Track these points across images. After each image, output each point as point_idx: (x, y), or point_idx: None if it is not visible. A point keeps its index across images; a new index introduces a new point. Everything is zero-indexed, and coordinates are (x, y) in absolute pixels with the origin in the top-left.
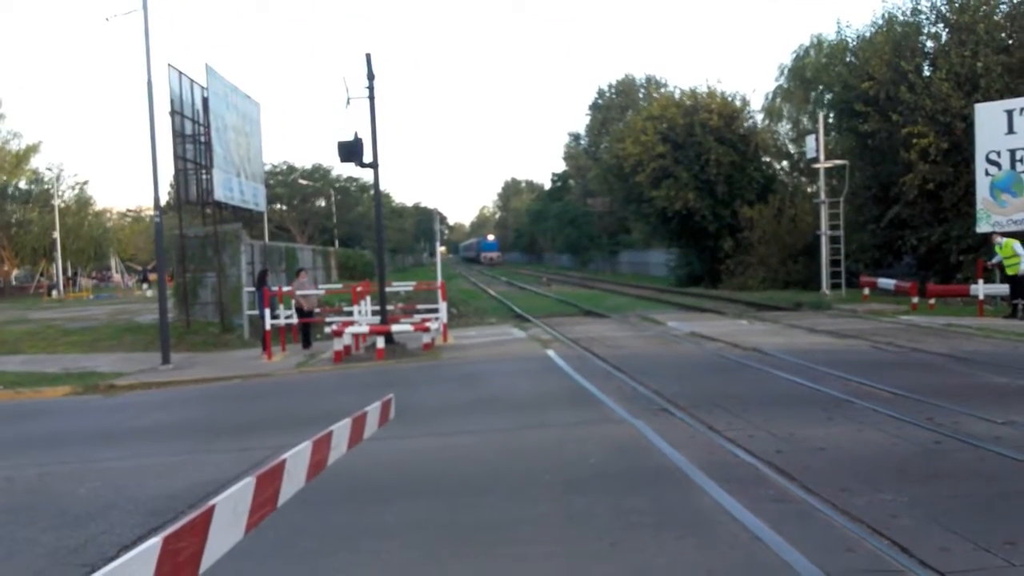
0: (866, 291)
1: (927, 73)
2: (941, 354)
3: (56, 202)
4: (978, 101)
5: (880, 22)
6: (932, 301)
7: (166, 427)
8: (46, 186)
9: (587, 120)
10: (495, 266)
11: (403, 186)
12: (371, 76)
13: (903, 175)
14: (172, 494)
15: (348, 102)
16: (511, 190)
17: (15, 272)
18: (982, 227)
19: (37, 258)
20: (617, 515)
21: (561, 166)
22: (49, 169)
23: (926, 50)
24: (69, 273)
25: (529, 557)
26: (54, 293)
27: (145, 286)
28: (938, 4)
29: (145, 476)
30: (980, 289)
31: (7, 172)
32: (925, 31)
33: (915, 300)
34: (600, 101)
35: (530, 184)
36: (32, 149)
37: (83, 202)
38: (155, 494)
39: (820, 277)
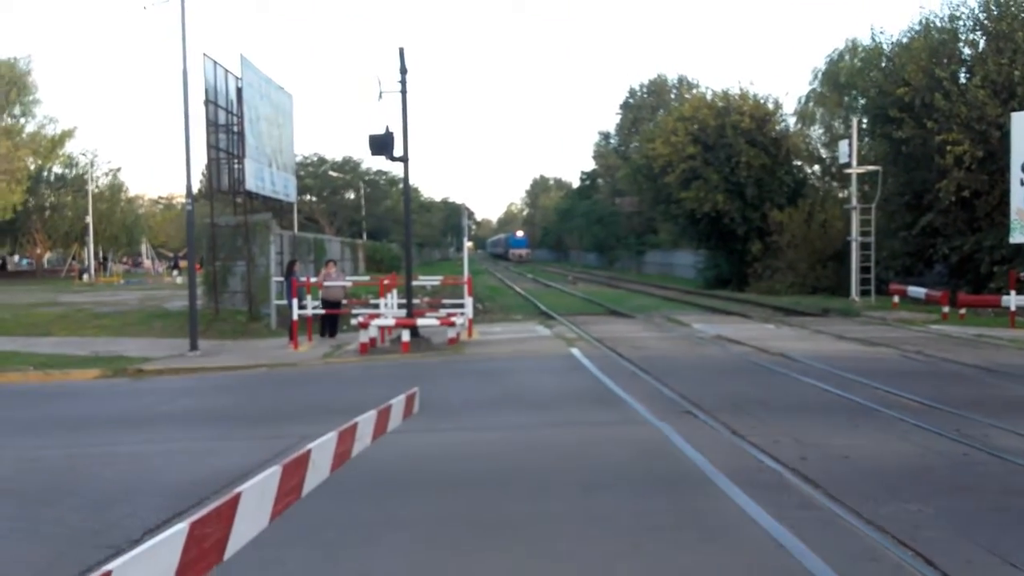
0: (896, 299)
1: (963, 80)
2: (971, 365)
3: (90, 187)
4: (1015, 109)
5: (917, 28)
6: (963, 311)
7: (193, 413)
8: (80, 171)
9: (618, 119)
10: (524, 263)
11: (432, 181)
12: (404, 70)
13: (937, 183)
14: (197, 480)
15: (380, 96)
16: (539, 187)
17: (47, 255)
18: (1016, 237)
19: (69, 242)
20: (639, 516)
21: (590, 164)
22: (84, 155)
23: (963, 57)
24: (100, 258)
25: (550, 555)
26: (85, 277)
27: (175, 273)
28: (976, 11)
29: (171, 461)
30: (1012, 300)
31: (42, 156)
32: (963, 38)
33: (946, 309)
34: (631, 100)
35: (559, 182)
36: (67, 134)
37: (116, 188)
38: (181, 479)
39: (849, 283)
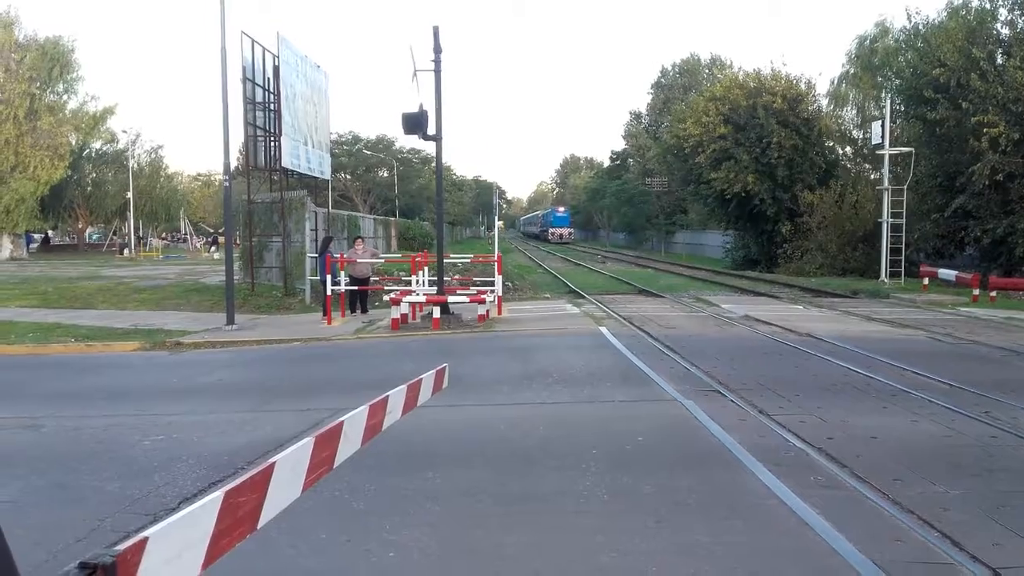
0: (926, 281)
1: (1000, 61)
2: (1001, 348)
3: (130, 164)
4: None
5: (954, 7)
6: (993, 294)
7: (229, 385)
8: (122, 148)
9: (649, 99)
10: (565, 244)
11: (463, 159)
12: (438, 49)
13: (970, 165)
14: (233, 450)
15: (415, 75)
16: (570, 167)
17: (89, 230)
18: None
19: (111, 217)
20: (664, 493)
21: (621, 144)
22: (125, 132)
23: (1001, 37)
24: (140, 233)
25: (575, 529)
26: (126, 252)
27: (214, 249)
28: None
29: (208, 432)
30: None
31: (84, 132)
32: (1001, 18)
33: (976, 292)
34: (663, 80)
35: (589, 161)
36: (108, 111)
37: (156, 164)
38: (216, 449)
39: (879, 265)
